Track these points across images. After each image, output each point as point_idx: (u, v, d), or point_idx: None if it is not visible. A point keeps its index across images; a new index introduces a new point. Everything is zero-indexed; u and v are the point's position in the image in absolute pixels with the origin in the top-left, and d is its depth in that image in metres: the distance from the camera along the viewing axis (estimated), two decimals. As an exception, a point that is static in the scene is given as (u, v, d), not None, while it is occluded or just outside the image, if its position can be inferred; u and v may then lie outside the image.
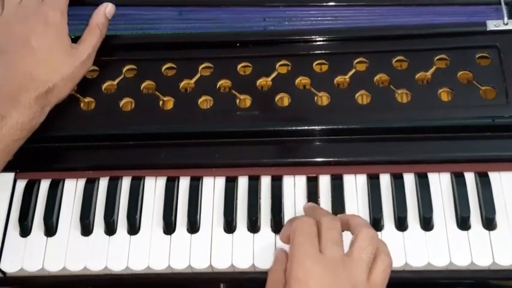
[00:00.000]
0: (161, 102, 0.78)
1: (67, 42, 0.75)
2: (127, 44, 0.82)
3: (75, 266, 0.72)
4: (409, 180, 0.74)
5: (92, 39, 0.77)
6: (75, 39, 0.77)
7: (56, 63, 0.74)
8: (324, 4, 0.83)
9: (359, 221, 0.67)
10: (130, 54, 0.82)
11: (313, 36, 0.81)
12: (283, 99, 0.78)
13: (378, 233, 0.71)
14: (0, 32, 0.75)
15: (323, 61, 0.80)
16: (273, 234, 0.72)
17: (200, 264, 0.71)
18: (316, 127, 0.76)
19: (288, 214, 0.73)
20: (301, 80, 0.79)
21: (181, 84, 0.79)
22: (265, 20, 0.83)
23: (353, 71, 0.79)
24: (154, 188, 0.75)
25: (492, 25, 0.79)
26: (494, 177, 0.73)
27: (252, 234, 0.72)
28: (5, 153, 0.71)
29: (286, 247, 0.68)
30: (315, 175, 0.75)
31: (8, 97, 0.70)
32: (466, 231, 0.71)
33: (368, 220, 0.72)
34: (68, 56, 0.75)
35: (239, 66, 0.80)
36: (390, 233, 0.71)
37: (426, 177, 0.73)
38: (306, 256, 0.62)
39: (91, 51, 0.77)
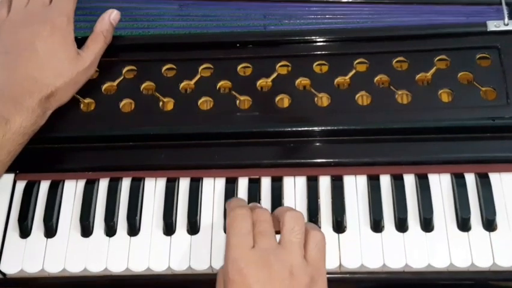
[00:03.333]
0: (161, 103, 0.78)
1: (72, 48, 0.76)
2: (127, 45, 0.82)
3: (75, 267, 0.72)
4: (409, 181, 0.74)
5: (95, 46, 0.77)
6: (78, 40, 0.77)
7: (60, 68, 0.74)
8: (325, 1, 0.83)
9: (282, 209, 0.68)
10: (129, 55, 0.82)
11: (313, 37, 0.81)
12: (284, 100, 0.78)
13: (378, 234, 0.71)
14: (6, 35, 0.75)
15: (323, 62, 0.80)
16: (273, 235, 0.72)
17: (200, 265, 0.71)
18: (317, 128, 0.76)
19: (288, 215, 0.72)
20: (302, 81, 0.79)
21: (181, 85, 0.79)
22: (266, 17, 0.83)
23: (353, 71, 0.79)
24: (154, 189, 0.75)
25: (492, 25, 0.79)
26: (495, 178, 0.73)
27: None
28: (9, 158, 0.71)
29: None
30: (315, 176, 0.75)
31: (12, 100, 0.70)
32: (466, 233, 0.71)
33: (368, 221, 0.72)
34: (72, 61, 0.75)
35: (239, 67, 0.80)
36: (390, 234, 0.71)
37: (427, 178, 0.73)
38: (238, 256, 0.63)
39: (94, 58, 0.77)
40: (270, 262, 0.63)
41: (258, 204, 0.70)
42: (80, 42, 0.78)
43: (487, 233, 0.71)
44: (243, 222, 0.65)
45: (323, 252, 0.66)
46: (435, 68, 0.78)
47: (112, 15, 0.80)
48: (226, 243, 0.65)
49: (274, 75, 0.79)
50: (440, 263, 0.70)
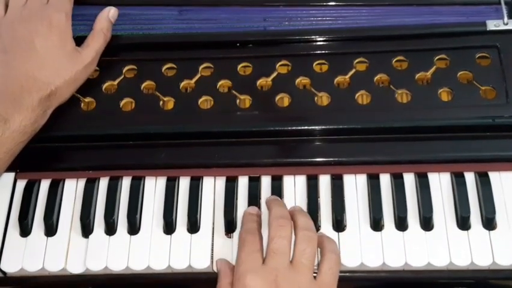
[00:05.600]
0: (161, 102, 0.79)
1: (71, 45, 0.76)
2: (128, 44, 0.82)
3: (75, 266, 0.72)
4: (409, 180, 0.74)
5: (95, 43, 0.77)
6: (77, 39, 0.77)
7: (59, 66, 0.74)
8: (324, 4, 0.83)
9: (300, 222, 0.68)
10: (130, 54, 0.82)
11: (313, 36, 0.81)
12: (284, 99, 0.78)
13: (378, 233, 0.71)
14: (4, 33, 0.75)
15: (323, 61, 0.80)
16: (273, 234, 0.72)
17: (200, 264, 0.71)
18: (317, 127, 0.76)
19: (288, 214, 0.73)
20: (302, 80, 0.79)
21: (181, 84, 0.80)
22: (266, 20, 0.83)
23: (353, 71, 0.79)
24: (154, 188, 0.75)
25: (492, 25, 0.79)
26: (494, 177, 0.73)
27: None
28: (8, 157, 0.71)
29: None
30: (315, 175, 0.75)
31: (11, 99, 0.70)
32: (466, 231, 0.71)
33: (368, 220, 0.72)
34: (71, 59, 0.75)
35: (239, 66, 0.80)
36: (390, 232, 0.71)
37: (427, 177, 0.73)
38: (247, 272, 0.64)
39: (94, 55, 0.77)
40: (277, 281, 0.63)
41: (282, 211, 0.69)
42: (80, 41, 0.78)
43: (487, 231, 0.71)
44: (253, 242, 0.67)
45: (336, 276, 0.67)
46: (435, 67, 0.78)
47: (111, 13, 0.80)
48: (236, 259, 0.67)
49: (274, 74, 0.79)
50: (439, 262, 0.70)
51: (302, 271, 0.65)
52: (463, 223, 0.71)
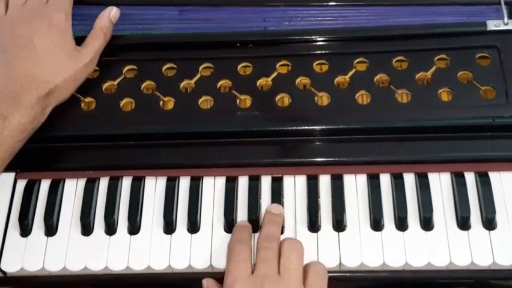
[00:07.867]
0: (161, 103, 0.79)
1: (71, 44, 0.76)
2: (128, 44, 0.82)
3: (75, 265, 0.72)
4: (409, 180, 0.74)
5: (95, 43, 0.77)
6: (77, 39, 0.77)
7: (58, 64, 0.74)
8: (325, 4, 0.83)
9: (285, 238, 0.69)
10: (130, 54, 0.82)
11: (313, 36, 0.81)
12: (284, 99, 0.78)
13: (378, 233, 0.71)
14: (4, 32, 0.75)
15: (323, 61, 0.80)
16: (273, 234, 0.72)
17: (200, 264, 0.71)
18: (317, 127, 0.76)
19: (288, 214, 0.73)
20: (302, 80, 0.79)
21: (182, 85, 0.80)
22: (266, 20, 0.83)
23: (353, 71, 0.79)
24: (154, 188, 0.75)
25: (492, 25, 0.79)
26: (495, 177, 0.73)
27: (252, 234, 0.72)
28: (7, 155, 0.71)
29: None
30: (315, 175, 0.75)
31: (10, 98, 0.70)
32: (466, 231, 0.71)
33: (368, 220, 0.72)
34: (70, 58, 0.75)
35: (239, 66, 0.80)
36: (390, 232, 0.71)
37: (427, 177, 0.73)
38: (235, 282, 0.65)
39: (94, 54, 0.77)
40: (266, 287, 0.64)
41: (270, 230, 0.70)
42: (80, 41, 0.78)
43: (487, 231, 0.71)
44: (241, 252, 0.67)
45: (324, 280, 0.67)
46: (435, 67, 0.78)
47: (112, 13, 0.80)
48: (225, 270, 0.68)
49: (275, 74, 0.79)
50: (440, 262, 0.70)
51: (290, 276, 0.65)
52: (463, 223, 0.71)
